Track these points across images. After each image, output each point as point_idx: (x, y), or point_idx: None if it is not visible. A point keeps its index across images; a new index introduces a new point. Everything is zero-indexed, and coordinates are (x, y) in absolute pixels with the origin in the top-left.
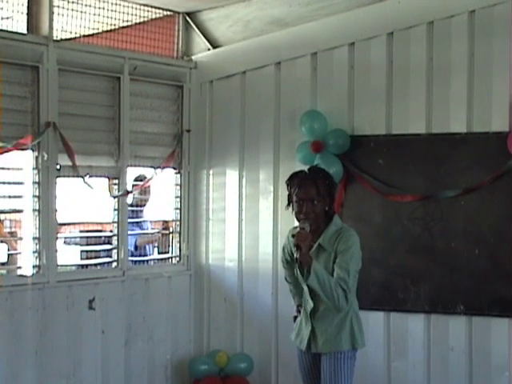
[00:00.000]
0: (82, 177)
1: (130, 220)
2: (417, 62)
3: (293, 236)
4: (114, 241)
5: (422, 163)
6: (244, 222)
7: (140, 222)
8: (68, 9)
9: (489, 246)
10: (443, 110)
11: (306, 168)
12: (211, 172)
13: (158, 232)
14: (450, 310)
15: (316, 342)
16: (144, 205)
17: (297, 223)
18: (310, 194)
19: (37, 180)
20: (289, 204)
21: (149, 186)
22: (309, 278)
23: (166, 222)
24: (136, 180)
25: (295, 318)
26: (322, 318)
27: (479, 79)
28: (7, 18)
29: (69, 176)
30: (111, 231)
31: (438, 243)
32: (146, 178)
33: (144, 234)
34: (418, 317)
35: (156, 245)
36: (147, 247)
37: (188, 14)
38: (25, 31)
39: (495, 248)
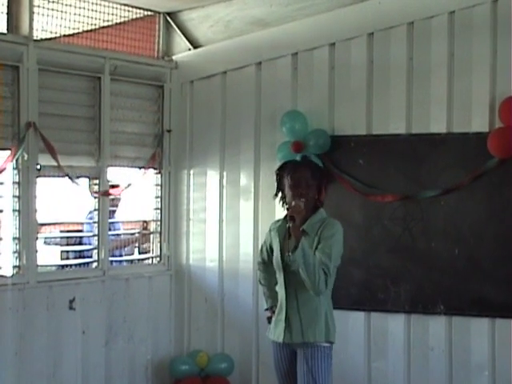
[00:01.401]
0: (68, 176)
1: (110, 220)
2: (397, 63)
3: (284, 220)
4: (95, 241)
5: (402, 163)
6: (225, 222)
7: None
8: (48, 8)
9: (468, 246)
10: (423, 110)
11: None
12: (192, 172)
13: (138, 232)
14: (430, 310)
15: (291, 333)
16: (116, 205)
17: (278, 218)
18: (305, 175)
19: (17, 180)
20: (277, 194)
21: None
22: (295, 252)
23: (146, 222)
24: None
25: (269, 318)
26: (297, 308)
27: (459, 79)
28: None
29: (50, 176)
30: (91, 231)
31: (419, 243)
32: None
33: (116, 235)
34: (398, 317)
35: (128, 248)
36: (119, 252)
37: (169, 13)
38: (5, 31)
39: (475, 248)
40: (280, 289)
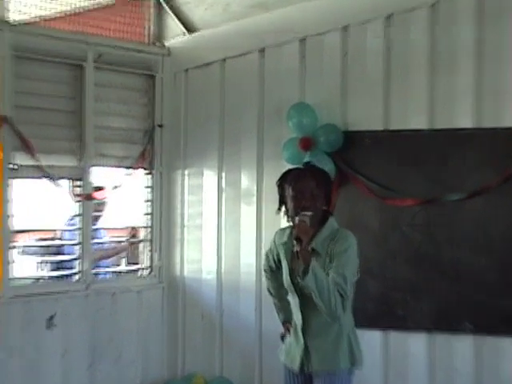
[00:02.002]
0: (48, 177)
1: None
2: (418, 49)
3: (290, 230)
4: (77, 250)
5: (423, 163)
6: (224, 228)
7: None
8: None
9: (499, 255)
10: (448, 103)
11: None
12: (186, 172)
13: (126, 241)
14: (456, 328)
15: (310, 361)
16: (101, 210)
17: (284, 225)
18: (308, 185)
19: None
20: (280, 207)
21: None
22: (306, 278)
23: (134, 229)
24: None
25: (283, 336)
26: (316, 333)
27: (488, 68)
28: None
29: (26, 177)
30: (73, 240)
31: (442, 252)
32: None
33: (101, 244)
34: (419, 336)
35: (115, 259)
36: (105, 263)
37: None
38: None
39: (506, 258)
40: (295, 312)
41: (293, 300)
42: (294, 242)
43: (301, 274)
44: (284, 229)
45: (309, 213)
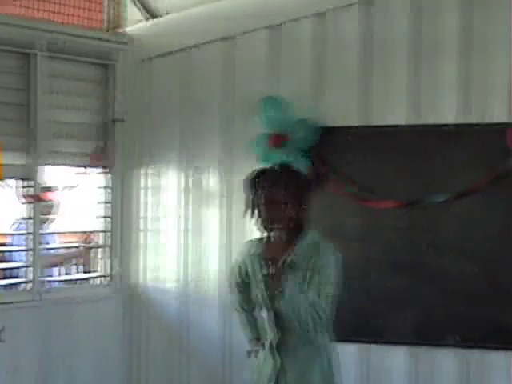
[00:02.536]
0: None
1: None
2: (400, 37)
3: (266, 241)
4: (26, 257)
5: (405, 161)
6: (188, 233)
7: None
8: None
9: (487, 263)
10: (431, 96)
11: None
12: (147, 172)
13: (81, 246)
14: (441, 342)
15: (285, 381)
16: (52, 213)
17: (255, 235)
18: (284, 194)
19: None
20: (248, 211)
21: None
22: (281, 301)
23: (90, 233)
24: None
25: (249, 353)
26: (292, 351)
27: (475, 58)
28: None
29: None
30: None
31: (426, 260)
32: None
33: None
34: (400, 349)
35: (69, 266)
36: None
37: None
38: None
39: (495, 266)
40: (269, 329)
41: (268, 317)
42: (269, 262)
43: (276, 296)
44: (254, 240)
45: (279, 225)
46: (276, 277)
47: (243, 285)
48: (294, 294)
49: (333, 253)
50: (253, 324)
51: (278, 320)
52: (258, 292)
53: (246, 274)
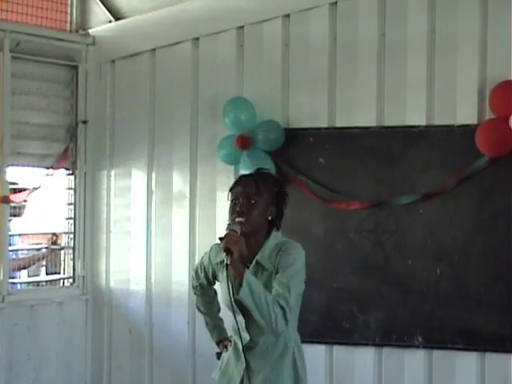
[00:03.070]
0: None
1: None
2: (366, 39)
3: (221, 239)
4: None
5: (372, 163)
6: (154, 234)
7: None
8: None
9: (453, 264)
10: (398, 98)
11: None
12: (113, 173)
13: (46, 248)
14: (406, 343)
15: (252, 383)
16: (18, 214)
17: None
18: (246, 190)
19: None
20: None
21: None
22: (240, 291)
23: (55, 235)
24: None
25: (219, 354)
26: (260, 352)
27: (441, 61)
28: None
29: None
30: None
31: (392, 261)
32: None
33: (17, 252)
34: (367, 350)
35: (33, 268)
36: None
37: None
38: None
39: (460, 267)
40: (235, 332)
41: (234, 320)
42: (224, 254)
43: (235, 289)
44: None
45: (240, 218)
46: (233, 266)
47: (201, 289)
48: (252, 283)
49: (298, 250)
50: (216, 327)
51: (248, 322)
52: (225, 294)
53: (208, 279)
